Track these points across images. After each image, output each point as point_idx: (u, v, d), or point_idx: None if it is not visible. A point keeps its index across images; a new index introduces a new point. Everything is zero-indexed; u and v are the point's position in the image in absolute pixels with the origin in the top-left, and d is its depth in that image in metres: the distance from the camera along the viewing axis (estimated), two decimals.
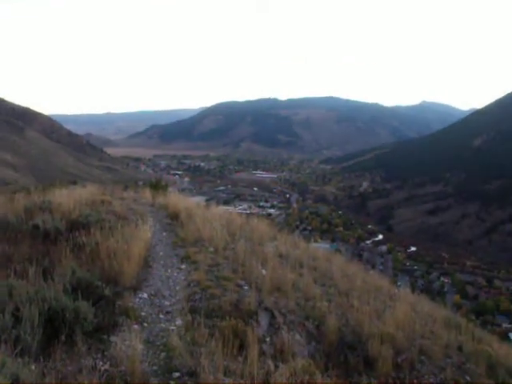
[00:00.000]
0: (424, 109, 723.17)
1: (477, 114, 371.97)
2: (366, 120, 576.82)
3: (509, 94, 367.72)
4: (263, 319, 5.86)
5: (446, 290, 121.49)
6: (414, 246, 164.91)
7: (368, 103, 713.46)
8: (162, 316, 5.95)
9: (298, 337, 5.76)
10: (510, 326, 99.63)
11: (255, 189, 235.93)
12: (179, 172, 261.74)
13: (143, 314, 5.93)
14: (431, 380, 5.68)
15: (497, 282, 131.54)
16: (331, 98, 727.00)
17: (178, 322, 5.73)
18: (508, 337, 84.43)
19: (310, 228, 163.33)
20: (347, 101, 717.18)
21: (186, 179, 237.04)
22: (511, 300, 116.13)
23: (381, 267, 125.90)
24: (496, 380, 6.05)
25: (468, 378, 5.95)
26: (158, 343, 5.23)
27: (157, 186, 17.54)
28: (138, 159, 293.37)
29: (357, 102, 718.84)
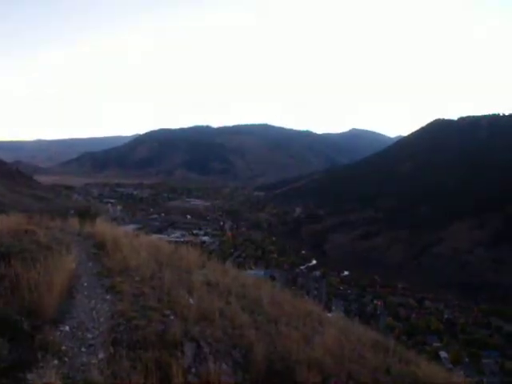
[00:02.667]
0: (354, 136, 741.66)
1: (404, 141, 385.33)
2: (298, 147, 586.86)
3: (433, 122, 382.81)
4: (189, 349, 5.73)
5: (379, 312, 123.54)
6: (347, 270, 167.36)
7: (300, 131, 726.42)
8: (84, 349, 5.69)
9: (224, 366, 5.65)
10: (439, 344, 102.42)
11: (189, 216, 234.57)
12: (112, 200, 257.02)
13: (64, 348, 5.63)
14: None
15: (427, 303, 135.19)
16: (264, 125, 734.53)
17: (101, 355, 5.50)
18: (438, 355, 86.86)
19: (244, 255, 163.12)
20: (280, 128, 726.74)
21: (119, 207, 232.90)
22: (441, 320, 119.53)
23: (315, 292, 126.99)
24: None
25: None
26: (78, 378, 4.99)
27: (85, 215, 17.11)
28: (70, 187, 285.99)
29: (289, 129, 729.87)
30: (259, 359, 5.95)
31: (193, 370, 5.37)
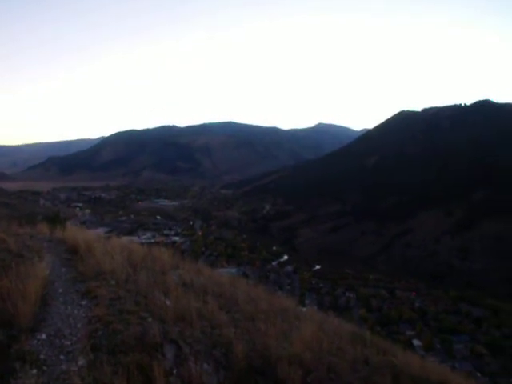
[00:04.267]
0: (320, 131, 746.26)
1: (369, 134, 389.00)
2: (264, 144, 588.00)
3: (397, 114, 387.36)
4: (169, 351, 5.71)
5: (351, 304, 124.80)
6: (318, 264, 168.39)
7: (266, 127, 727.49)
8: (62, 357, 5.61)
9: (205, 366, 5.64)
10: (412, 333, 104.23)
11: (158, 217, 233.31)
12: (80, 204, 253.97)
13: (42, 356, 5.55)
14: None
15: (398, 293, 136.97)
16: (230, 123, 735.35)
17: (80, 361, 5.43)
18: (412, 343, 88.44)
19: (215, 253, 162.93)
20: (245, 125, 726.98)
21: (87, 211, 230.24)
22: (412, 309, 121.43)
23: (288, 287, 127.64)
24: None
25: None
26: None
27: (55, 220, 16.86)
28: (36, 193, 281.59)
29: (255, 126, 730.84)
30: (240, 357, 5.96)
31: (174, 371, 5.36)
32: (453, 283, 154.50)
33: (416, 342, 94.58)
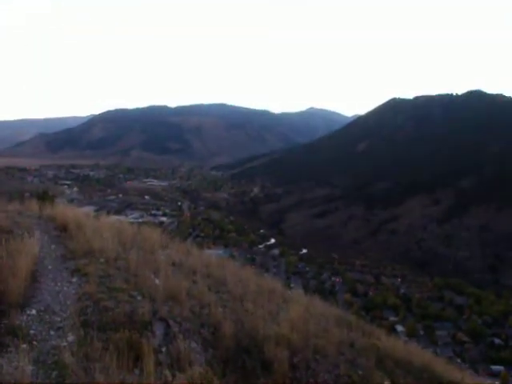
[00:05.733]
0: (311, 115, 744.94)
1: (360, 120, 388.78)
2: (255, 127, 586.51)
3: (389, 101, 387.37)
4: (158, 329, 5.77)
5: (337, 289, 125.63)
6: (305, 248, 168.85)
7: (257, 110, 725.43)
8: (52, 333, 5.63)
9: (194, 345, 5.72)
10: (396, 318, 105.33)
11: (147, 197, 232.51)
12: (68, 182, 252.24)
13: (32, 331, 5.58)
14: (326, 377, 5.83)
15: (383, 279, 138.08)
16: (221, 104, 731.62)
17: (70, 337, 5.47)
18: (395, 329, 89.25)
19: (202, 235, 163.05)
20: (237, 108, 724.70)
21: (75, 189, 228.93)
22: (397, 295, 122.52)
23: (274, 270, 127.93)
24: (385, 371, 6.32)
25: (360, 371, 6.17)
26: (50, 362, 4.95)
27: (44, 197, 16.74)
28: (24, 170, 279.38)
29: (247, 108, 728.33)
30: (228, 336, 6.04)
31: (163, 349, 5.43)
32: (438, 270, 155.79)
33: (399, 328, 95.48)
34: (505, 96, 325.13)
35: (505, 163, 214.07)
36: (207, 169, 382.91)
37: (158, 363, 5.02)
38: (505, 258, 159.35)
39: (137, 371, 4.73)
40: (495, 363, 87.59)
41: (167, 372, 4.75)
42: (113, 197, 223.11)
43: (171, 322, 5.99)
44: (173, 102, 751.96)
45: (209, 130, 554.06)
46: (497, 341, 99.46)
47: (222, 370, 5.35)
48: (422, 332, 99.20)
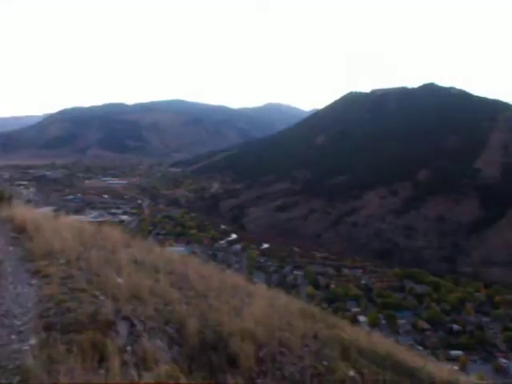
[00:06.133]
0: (269, 110, 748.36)
1: (318, 114, 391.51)
2: (213, 122, 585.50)
3: (346, 95, 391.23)
4: (122, 328, 5.73)
5: (299, 282, 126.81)
6: (266, 242, 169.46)
7: (215, 105, 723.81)
8: (14, 337, 5.52)
9: (159, 343, 5.69)
10: (358, 309, 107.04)
11: (106, 196, 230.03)
12: (24, 183, 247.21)
13: None
14: (292, 370, 5.89)
15: (345, 271, 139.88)
16: (178, 101, 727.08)
17: (32, 341, 5.37)
18: (357, 320, 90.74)
19: (163, 232, 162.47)
20: (194, 104, 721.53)
21: (32, 190, 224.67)
22: (358, 286, 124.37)
23: (236, 266, 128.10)
24: (349, 361, 6.41)
25: (325, 362, 6.25)
26: (11, 366, 4.86)
27: (0, 199, 16.43)
28: None
29: (204, 104, 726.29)
30: (193, 333, 6.03)
31: (128, 348, 5.38)
32: (398, 260, 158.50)
33: (362, 319, 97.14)
34: (456, 88, 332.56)
35: (459, 155, 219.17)
36: (166, 166, 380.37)
37: (124, 363, 4.98)
38: (461, 247, 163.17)
39: (102, 372, 4.68)
40: (454, 348, 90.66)
41: (133, 372, 4.73)
42: (71, 196, 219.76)
43: (135, 321, 5.95)
44: (130, 100, 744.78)
45: (167, 126, 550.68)
46: (455, 327, 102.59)
47: (189, 366, 5.35)
48: (383, 321, 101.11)
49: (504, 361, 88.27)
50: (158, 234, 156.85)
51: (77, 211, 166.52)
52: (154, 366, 4.99)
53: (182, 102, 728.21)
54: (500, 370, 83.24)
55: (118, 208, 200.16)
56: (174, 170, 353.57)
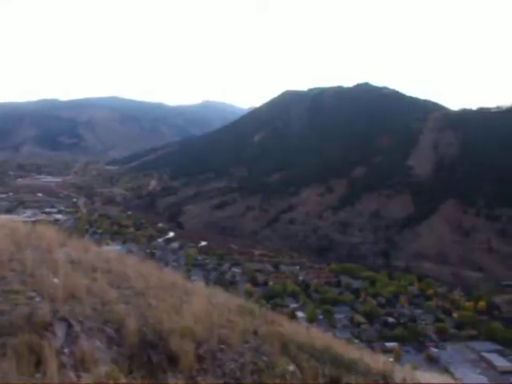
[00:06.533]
0: (206, 107, 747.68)
1: (255, 112, 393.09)
2: (150, 119, 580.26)
3: (283, 93, 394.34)
4: (59, 330, 5.60)
5: (238, 279, 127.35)
6: (204, 240, 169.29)
7: (152, 103, 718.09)
8: None
9: (98, 343, 5.60)
10: (296, 305, 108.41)
11: (40, 194, 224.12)
12: None
13: None
14: (232, 366, 5.91)
15: (282, 267, 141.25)
16: (114, 97, 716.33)
17: None
18: (296, 315, 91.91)
19: (100, 231, 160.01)
20: (131, 101, 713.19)
21: None
22: (296, 282, 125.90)
23: (174, 264, 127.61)
24: (289, 356, 6.49)
25: (265, 358, 6.30)
26: None
27: None
28: None
29: (140, 101, 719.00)
30: (132, 332, 5.96)
31: (66, 350, 5.27)
32: (334, 256, 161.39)
33: (300, 314, 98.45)
34: (389, 88, 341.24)
35: (393, 153, 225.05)
36: (103, 163, 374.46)
37: (62, 365, 4.88)
38: (395, 242, 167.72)
39: (39, 375, 4.57)
40: (389, 340, 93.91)
41: (71, 373, 4.64)
42: (3, 195, 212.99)
43: (73, 322, 5.83)
44: (63, 96, 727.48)
45: (102, 123, 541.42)
46: (390, 320, 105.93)
47: (128, 366, 5.29)
48: (321, 316, 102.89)
49: (435, 350, 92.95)
50: (94, 232, 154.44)
51: (9, 210, 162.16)
52: (93, 366, 4.91)
53: (118, 98, 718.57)
54: (431, 359, 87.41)
55: (53, 207, 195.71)
56: (110, 167, 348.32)
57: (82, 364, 5.02)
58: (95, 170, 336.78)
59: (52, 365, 4.63)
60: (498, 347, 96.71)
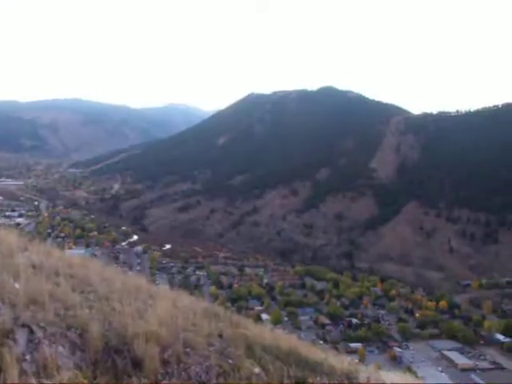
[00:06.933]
0: (171, 110, 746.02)
1: (219, 115, 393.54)
2: (114, 122, 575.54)
3: (247, 96, 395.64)
4: (21, 336, 5.49)
5: (202, 282, 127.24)
6: (168, 243, 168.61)
7: (115, 105, 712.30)
8: None
9: (61, 349, 5.50)
10: (261, 308, 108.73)
11: (0, 198, 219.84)
12: None
13: None
14: (197, 370, 5.89)
15: (247, 270, 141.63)
16: (77, 100, 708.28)
17: None
18: (261, 318, 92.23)
19: (63, 235, 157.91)
20: (94, 103, 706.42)
21: None
22: (260, 285, 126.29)
23: (138, 268, 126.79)
24: (254, 358, 6.50)
25: (230, 361, 6.29)
26: None
27: None
28: None
29: (104, 104, 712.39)
30: (96, 337, 5.89)
31: (27, 357, 5.17)
32: (299, 258, 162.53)
33: (265, 317, 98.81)
34: (353, 92, 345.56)
35: (356, 156, 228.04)
36: (65, 166, 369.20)
37: (23, 372, 4.78)
38: (359, 244, 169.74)
39: None
40: (353, 341, 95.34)
41: (33, 381, 4.55)
42: None
43: (35, 328, 5.73)
44: (24, 97, 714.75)
45: (65, 126, 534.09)
46: (354, 321, 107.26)
47: (92, 372, 5.22)
48: (286, 318, 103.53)
49: (398, 350, 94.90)
50: (57, 236, 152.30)
51: None
52: (56, 373, 4.83)
53: (81, 100, 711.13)
54: (394, 359, 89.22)
55: (14, 210, 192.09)
56: (73, 170, 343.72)
57: (44, 371, 4.93)
58: (57, 173, 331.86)
59: (13, 372, 4.53)
60: (458, 345, 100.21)
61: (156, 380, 5.51)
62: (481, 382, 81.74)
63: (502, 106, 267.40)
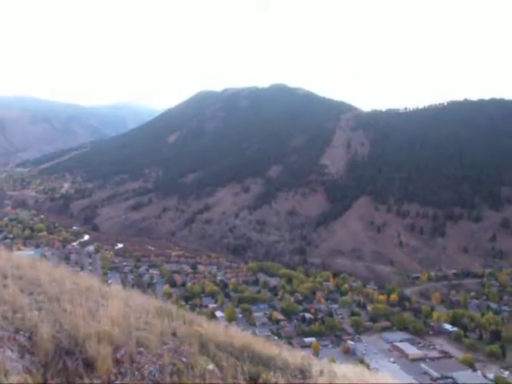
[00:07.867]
0: (120, 108, 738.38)
1: (170, 113, 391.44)
2: (63, 120, 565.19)
3: (198, 93, 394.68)
4: None
5: (155, 281, 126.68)
6: (121, 242, 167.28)
7: (64, 103, 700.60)
8: None
9: (9, 353, 5.40)
10: (215, 305, 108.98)
11: None
12: None
13: None
14: (151, 369, 5.86)
15: (200, 268, 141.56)
16: (24, 97, 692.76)
17: None
18: (215, 315, 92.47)
19: (11, 236, 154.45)
20: (43, 101, 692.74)
21: None
22: (214, 282, 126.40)
23: (90, 267, 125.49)
24: (208, 355, 6.51)
25: (184, 359, 6.28)
26: None
27: None
28: None
29: (53, 102, 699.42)
30: (46, 340, 5.79)
31: None
32: (252, 255, 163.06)
33: (219, 314, 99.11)
34: (304, 89, 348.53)
35: (307, 152, 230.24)
36: (13, 165, 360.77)
37: None
38: (311, 240, 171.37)
39: None
40: (307, 336, 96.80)
41: None
42: None
43: None
44: None
45: (12, 124, 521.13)
46: (307, 315, 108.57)
47: (43, 375, 5.14)
48: (240, 315, 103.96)
49: (351, 343, 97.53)
50: (5, 237, 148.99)
51: None
52: (4, 378, 4.74)
53: (29, 98, 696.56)
54: (348, 352, 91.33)
55: None
56: (21, 169, 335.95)
57: None
58: (4, 173, 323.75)
59: None
60: (409, 336, 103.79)
61: (109, 380, 5.47)
62: (430, 370, 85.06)
63: (448, 103, 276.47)
